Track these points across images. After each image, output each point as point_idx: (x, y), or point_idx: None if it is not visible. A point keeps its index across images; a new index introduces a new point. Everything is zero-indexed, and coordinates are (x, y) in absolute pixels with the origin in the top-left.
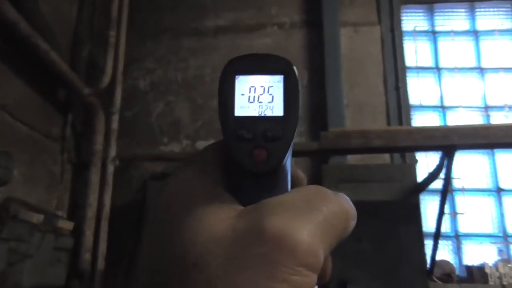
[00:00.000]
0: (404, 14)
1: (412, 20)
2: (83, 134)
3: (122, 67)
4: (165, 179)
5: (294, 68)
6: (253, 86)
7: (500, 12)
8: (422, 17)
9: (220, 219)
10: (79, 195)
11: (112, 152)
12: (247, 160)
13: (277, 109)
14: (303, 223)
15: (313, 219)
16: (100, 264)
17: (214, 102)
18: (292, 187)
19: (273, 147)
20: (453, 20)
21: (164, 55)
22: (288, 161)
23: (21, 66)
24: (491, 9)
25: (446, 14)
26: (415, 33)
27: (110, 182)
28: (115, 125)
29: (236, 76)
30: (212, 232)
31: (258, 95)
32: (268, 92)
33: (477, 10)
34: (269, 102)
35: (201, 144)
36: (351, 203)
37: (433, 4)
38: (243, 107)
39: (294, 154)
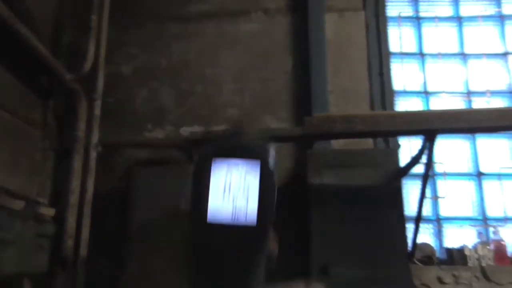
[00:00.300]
0: (389, 0)
1: (396, 6)
2: (65, 120)
3: (104, 52)
4: (149, 165)
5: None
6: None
7: None
8: (407, 3)
9: None
10: (62, 182)
11: (95, 138)
12: (210, 274)
13: (251, 217)
14: None
15: None
16: (83, 250)
17: (199, 87)
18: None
19: (239, 259)
20: (437, 6)
21: (148, 40)
22: (261, 267)
23: (1, 51)
24: None
25: (430, 0)
26: (400, 19)
27: (93, 168)
28: (97, 111)
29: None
30: None
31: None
32: (243, 190)
33: None
34: (244, 208)
35: (185, 130)
36: None
37: None
38: (216, 211)
39: (279, 140)
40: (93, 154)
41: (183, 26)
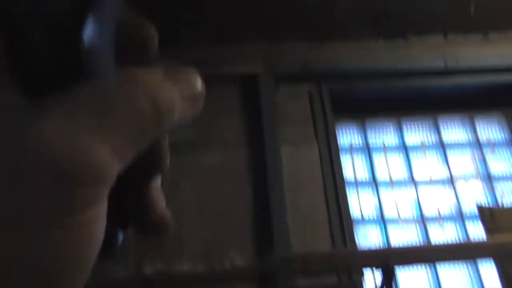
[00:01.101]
0: (339, 131)
1: (347, 136)
2: None
3: None
4: None
5: None
6: None
7: (425, 127)
8: (356, 133)
9: None
10: None
11: None
12: (24, 44)
13: None
14: (86, 133)
15: (104, 125)
16: None
17: None
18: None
19: (59, 25)
20: (384, 135)
21: None
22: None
23: None
24: (416, 124)
25: (377, 129)
26: (351, 148)
27: None
28: None
29: None
30: None
31: None
32: None
33: (404, 125)
34: None
35: None
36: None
37: (365, 121)
38: None
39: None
40: None
41: None
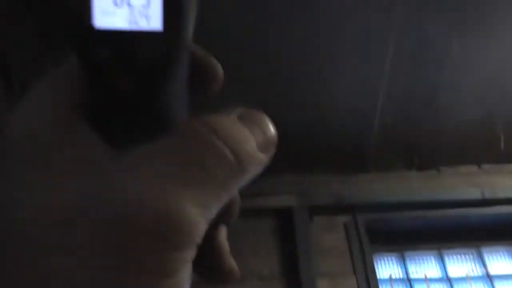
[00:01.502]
0: (378, 262)
1: (386, 268)
2: None
3: None
4: None
5: None
6: None
7: (468, 259)
8: (396, 265)
9: (69, 177)
10: None
11: None
12: (107, 92)
13: (154, 19)
14: (174, 189)
15: (191, 181)
16: None
17: None
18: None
19: (144, 75)
20: (425, 267)
21: None
22: (176, 86)
23: None
24: (459, 255)
25: (417, 261)
26: (391, 281)
27: None
28: None
29: None
30: (53, 201)
31: None
32: None
33: (446, 256)
34: (144, 7)
35: None
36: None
37: (404, 252)
38: (106, 14)
39: None
40: None
41: None
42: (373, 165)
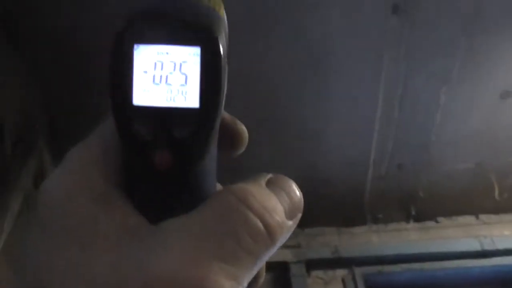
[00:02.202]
0: None
1: None
2: None
3: None
4: None
5: (218, 36)
6: (159, 61)
7: None
8: None
9: (103, 249)
10: None
11: None
12: (145, 167)
13: (192, 97)
14: (208, 263)
15: (225, 254)
16: None
17: None
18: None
19: (181, 151)
20: None
21: None
22: (210, 158)
23: None
24: None
25: None
26: None
27: None
28: None
29: (136, 46)
30: (87, 275)
31: (167, 74)
32: (180, 70)
33: None
34: (182, 86)
35: None
36: (291, 199)
37: None
38: (144, 91)
39: None
40: None
41: None
42: (370, 217)
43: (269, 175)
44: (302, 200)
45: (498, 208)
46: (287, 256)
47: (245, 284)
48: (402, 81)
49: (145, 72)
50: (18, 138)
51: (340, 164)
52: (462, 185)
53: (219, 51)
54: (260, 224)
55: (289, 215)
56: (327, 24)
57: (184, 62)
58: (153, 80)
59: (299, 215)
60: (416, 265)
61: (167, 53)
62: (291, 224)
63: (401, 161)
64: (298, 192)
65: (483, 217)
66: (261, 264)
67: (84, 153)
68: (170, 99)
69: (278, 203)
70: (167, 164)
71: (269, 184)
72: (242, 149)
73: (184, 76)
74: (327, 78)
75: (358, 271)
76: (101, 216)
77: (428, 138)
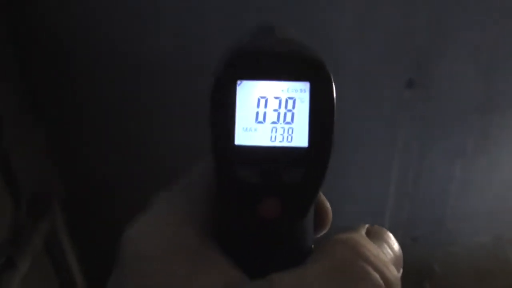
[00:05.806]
0: None
1: None
2: None
3: None
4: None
5: (329, 70)
6: (263, 97)
7: None
8: None
9: None
10: None
11: None
12: (249, 215)
13: (300, 136)
14: None
15: None
16: None
17: None
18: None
19: (291, 197)
20: None
21: None
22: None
23: None
24: None
25: None
26: None
27: None
28: None
29: (239, 82)
30: None
31: (271, 112)
32: (286, 107)
33: None
34: (288, 123)
35: None
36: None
37: None
38: (247, 130)
39: None
40: None
41: None
42: None
43: (367, 225)
44: (401, 251)
45: None
46: None
47: None
48: (417, 155)
49: (248, 109)
50: (34, 198)
51: None
52: (480, 259)
53: (332, 87)
54: (380, 281)
55: (397, 269)
56: (341, 100)
57: (290, 98)
58: (256, 118)
59: (401, 268)
60: None
61: (271, 89)
62: (399, 277)
63: (416, 234)
64: (397, 244)
65: None
66: None
67: (176, 202)
68: (275, 139)
69: (385, 256)
70: (276, 212)
71: (368, 235)
72: (325, 230)
73: (290, 114)
74: (342, 155)
75: None
76: (199, 276)
77: (443, 212)
